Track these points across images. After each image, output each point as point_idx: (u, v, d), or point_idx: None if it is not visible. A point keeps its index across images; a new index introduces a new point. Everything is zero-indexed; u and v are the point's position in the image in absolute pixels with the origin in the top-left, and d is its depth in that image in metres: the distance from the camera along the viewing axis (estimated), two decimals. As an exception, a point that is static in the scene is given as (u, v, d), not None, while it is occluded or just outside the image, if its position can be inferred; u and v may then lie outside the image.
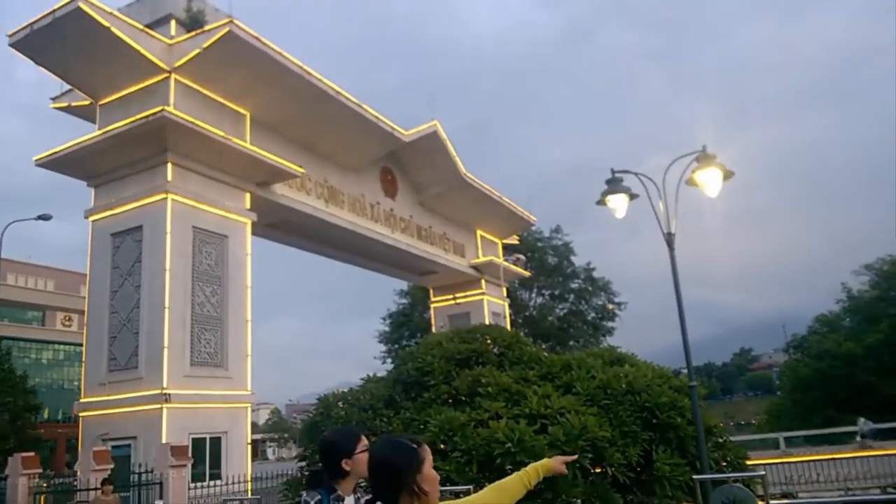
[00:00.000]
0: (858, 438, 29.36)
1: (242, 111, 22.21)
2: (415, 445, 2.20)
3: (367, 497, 2.11)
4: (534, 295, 49.07)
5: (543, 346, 32.12)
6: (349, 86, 23.83)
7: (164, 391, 17.81)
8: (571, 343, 45.74)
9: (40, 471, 17.43)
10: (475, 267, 36.44)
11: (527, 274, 41.77)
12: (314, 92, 22.71)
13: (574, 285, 49.27)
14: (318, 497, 2.87)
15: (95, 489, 14.23)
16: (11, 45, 19.14)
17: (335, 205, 26.26)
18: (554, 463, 2.73)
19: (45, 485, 17.61)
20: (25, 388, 38.16)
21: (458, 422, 9.76)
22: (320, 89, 22.78)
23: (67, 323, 53.68)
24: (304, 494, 2.94)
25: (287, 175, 22.61)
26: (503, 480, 2.60)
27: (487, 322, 26.36)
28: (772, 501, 7.00)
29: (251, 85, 21.55)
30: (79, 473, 16.32)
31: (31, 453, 17.52)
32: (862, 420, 30.70)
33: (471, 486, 7.99)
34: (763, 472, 8.37)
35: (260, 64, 20.81)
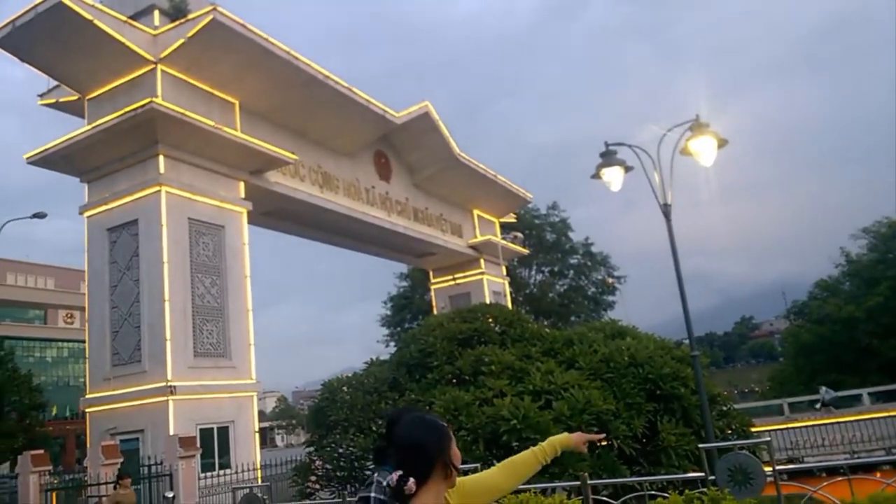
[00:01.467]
0: (818, 406, 29.89)
1: (232, 100, 22.01)
2: (443, 423, 2.22)
3: (398, 473, 2.11)
4: (533, 272, 49.11)
5: (545, 323, 32.21)
6: (337, 72, 23.50)
7: (169, 383, 17.85)
8: (573, 318, 45.86)
9: (50, 468, 17.50)
10: (473, 247, 36.38)
11: (525, 252, 41.73)
12: (303, 77, 22.51)
13: (573, 261, 49.32)
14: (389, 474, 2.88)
15: (106, 484, 14.27)
16: (-6, 42, 18.93)
17: (330, 190, 26.15)
18: (575, 438, 2.59)
19: (55, 481, 17.69)
20: (31, 386, 38.35)
21: (463, 401, 9.81)
22: (309, 74, 22.57)
23: (69, 320, 53.74)
24: (376, 474, 2.91)
25: (280, 162, 22.48)
26: (515, 457, 2.48)
27: (488, 301, 26.38)
28: (778, 466, 7.00)
29: (239, 72, 21.34)
30: (88, 469, 16.40)
31: (41, 451, 17.59)
32: (823, 388, 31.52)
33: (478, 465, 8.01)
34: (768, 439, 8.39)
35: (246, 51, 20.59)
